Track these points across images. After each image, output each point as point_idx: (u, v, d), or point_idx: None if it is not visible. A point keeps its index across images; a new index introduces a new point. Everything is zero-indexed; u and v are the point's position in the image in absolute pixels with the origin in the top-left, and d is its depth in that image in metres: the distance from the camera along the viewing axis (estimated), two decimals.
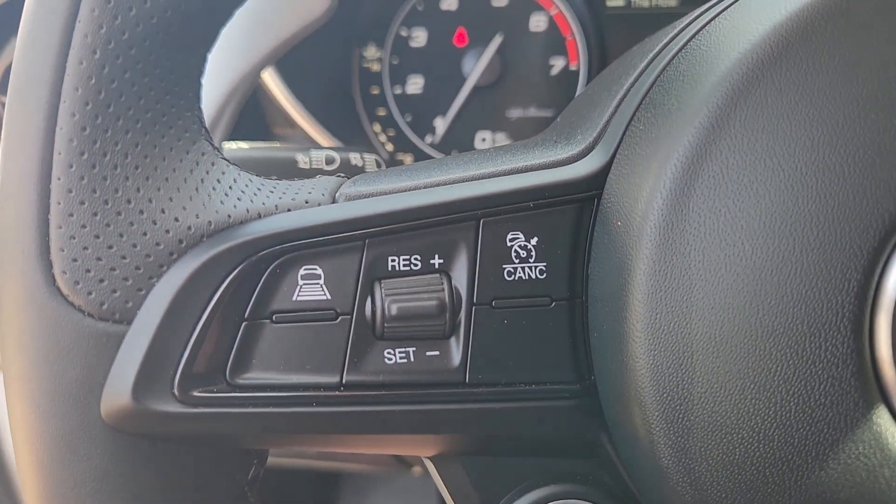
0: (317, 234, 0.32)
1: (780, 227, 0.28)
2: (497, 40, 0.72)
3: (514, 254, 0.34)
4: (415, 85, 0.74)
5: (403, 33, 0.73)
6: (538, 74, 0.73)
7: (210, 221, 0.32)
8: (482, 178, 0.34)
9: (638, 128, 0.33)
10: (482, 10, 0.73)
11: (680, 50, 0.34)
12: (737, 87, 0.30)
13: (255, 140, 0.58)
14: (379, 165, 0.53)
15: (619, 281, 0.31)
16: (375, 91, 0.74)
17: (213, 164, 0.34)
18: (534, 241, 0.34)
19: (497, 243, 0.34)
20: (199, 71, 0.34)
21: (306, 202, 0.34)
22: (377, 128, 0.74)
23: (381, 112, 0.74)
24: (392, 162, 0.74)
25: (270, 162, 0.50)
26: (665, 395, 0.30)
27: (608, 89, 0.37)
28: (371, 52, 0.74)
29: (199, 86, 0.34)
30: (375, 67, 0.74)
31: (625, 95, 0.35)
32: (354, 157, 0.52)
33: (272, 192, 0.34)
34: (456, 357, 0.33)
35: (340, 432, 0.33)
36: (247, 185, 0.34)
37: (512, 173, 0.34)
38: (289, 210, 0.33)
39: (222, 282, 0.31)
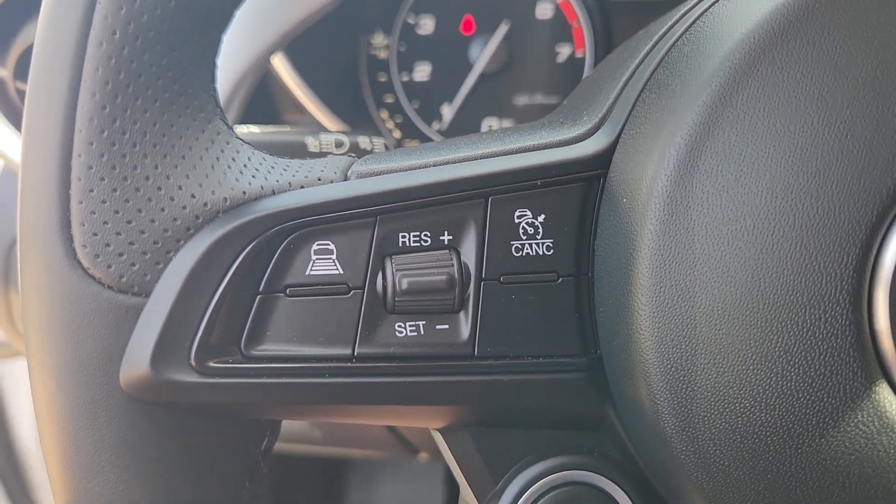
0: (329, 210, 0.33)
1: (780, 202, 0.29)
2: (503, 28, 0.73)
3: (521, 230, 0.35)
4: (422, 72, 0.75)
5: (411, 21, 0.74)
6: (544, 62, 0.74)
7: (226, 198, 0.33)
8: (491, 157, 0.35)
9: (643, 108, 0.34)
10: None
11: (684, 33, 0.35)
12: (738, 67, 0.30)
13: (265, 125, 0.59)
14: (387, 149, 0.53)
15: (624, 256, 0.32)
16: (383, 78, 0.75)
17: (228, 143, 0.34)
18: (541, 218, 0.35)
19: (505, 220, 0.34)
20: (214, 52, 0.34)
21: (319, 179, 0.34)
22: (385, 114, 0.75)
23: (389, 99, 0.75)
24: None
25: (281, 145, 0.50)
26: (669, 366, 0.31)
27: (614, 72, 0.38)
28: (379, 39, 0.74)
29: (214, 67, 0.35)
30: (383, 55, 0.75)
31: (630, 77, 0.36)
32: (363, 141, 0.52)
33: (286, 170, 0.35)
34: (465, 331, 0.34)
35: (352, 403, 0.34)
36: (261, 164, 0.35)
37: (519, 152, 0.35)
38: (302, 187, 0.34)
39: (238, 256, 0.32)
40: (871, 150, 0.29)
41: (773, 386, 0.29)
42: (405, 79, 0.75)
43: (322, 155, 0.52)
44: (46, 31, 0.32)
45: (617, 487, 0.35)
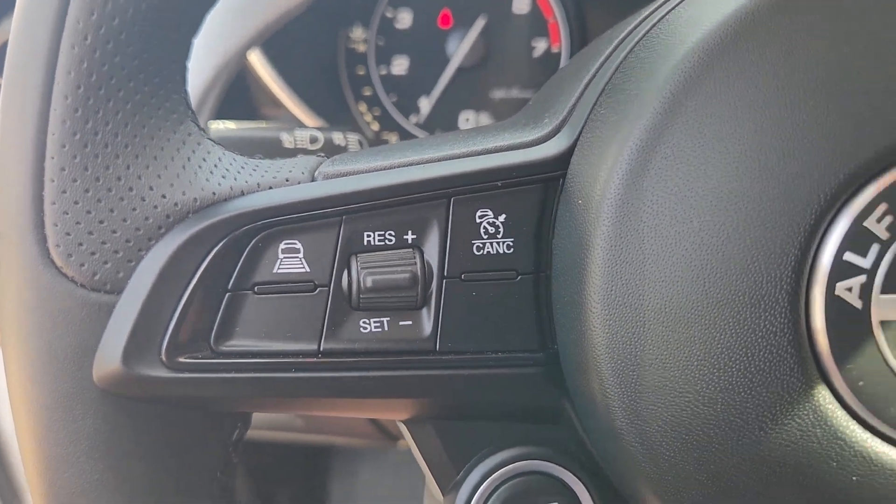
0: (296, 210, 0.34)
1: (725, 205, 0.31)
2: (481, 22, 0.74)
3: (482, 230, 0.36)
4: (400, 66, 0.76)
5: (389, 14, 0.75)
6: (521, 56, 0.75)
7: (196, 198, 0.34)
8: (453, 159, 0.36)
9: (600, 112, 0.35)
10: None
11: (642, 38, 0.36)
12: (689, 74, 0.32)
13: (243, 119, 0.60)
14: (361, 145, 0.54)
15: (578, 256, 0.33)
16: (361, 71, 0.76)
17: (199, 144, 0.35)
18: (502, 217, 0.36)
19: (467, 220, 0.36)
20: (185, 55, 0.35)
21: (287, 180, 0.36)
22: (363, 107, 0.76)
23: (367, 92, 0.76)
24: (377, 141, 0.76)
25: (255, 141, 0.51)
26: (619, 361, 0.32)
27: (576, 74, 0.39)
28: (357, 33, 0.75)
29: (185, 69, 0.36)
30: (361, 48, 0.76)
31: (590, 81, 0.37)
32: (338, 137, 0.53)
33: (255, 170, 0.36)
34: (427, 326, 0.35)
35: (318, 396, 0.35)
36: (231, 164, 0.36)
37: (481, 154, 0.36)
38: (270, 188, 0.35)
39: (207, 255, 0.33)
40: (811, 156, 0.30)
41: (715, 381, 0.31)
42: (383, 72, 0.76)
43: (296, 151, 0.53)
44: (19, 34, 0.33)
45: (573, 477, 0.37)
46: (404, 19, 0.75)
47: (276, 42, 0.64)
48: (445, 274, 0.35)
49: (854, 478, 0.30)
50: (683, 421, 0.32)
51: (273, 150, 0.52)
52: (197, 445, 0.36)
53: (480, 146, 0.36)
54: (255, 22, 0.56)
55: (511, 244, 0.36)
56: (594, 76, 0.37)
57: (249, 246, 0.34)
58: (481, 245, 0.36)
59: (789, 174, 0.30)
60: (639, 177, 0.32)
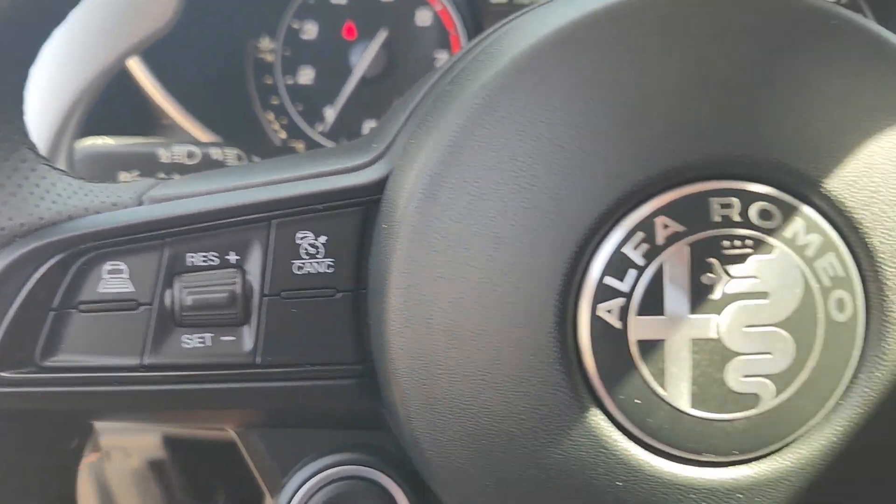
0: (119, 234, 0.37)
1: (500, 232, 0.33)
2: (383, 34, 0.76)
3: (303, 251, 0.38)
4: (306, 76, 0.77)
5: (295, 26, 0.77)
6: (423, 67, 0.77)
7: (22, 223, 0.36)
8: (276, 183, 0.38)
9: (412, 141, 0.37)
10: (370, 4, 0.76)
11: (449, 69, 0.38)
12: (475, 112, 0.34)
13: (138, 132, 0.62)
14: (240, 159, 0.57)
15: (383, 276, 0.36)
16: (269, 81, 0.78)
17: (33, 170, 0.37)
18: (322, 239, 0.38)
19: (287, 241, 0.38)
20: (20, 84, 0.37)
21: (114, 204, 0.38)
22: (270, 116, 0.78)
23: (275, 101, 0.78)
24: (285, 149, 0.78)
25: (131, 157, 0.53)
26: (414, 375, 0.35)
27: (405, 103, 0.41)
28: (265, 43, 0.77)
29: (20, 99, 0.38)
30: (269, 58, 0.77)
31: (413, 110, 0.40)
32: (215, 152, 0.56)
33: (86, 195, 0.38)
34: (249, 342, 0.38)
35: (143, 409, 0.38)
36: (64, 189, 0.38)
37: (302, 179, 0.38)
38: (97, 212, 0.37)
39: (30, 276, 0.36)
40: (576, 190, 0.33)
41: (496, 395, 0.33)
42: (289, 82, 0.77)
43: (173, 166, 0.55)
44: None
45: (392, 482, 0.39)
46: (310, 30, 0.77)
47: (165, 55, 0.66)
48: (265, 292, 0.38)
49: (619, 483, 0.33)
50: (471, 431, 0.34)
51: (150, 165, 0.54)
52: (35, 456, 0.39)
53: (303, 171, 0.39)
54: (109, 52, 0.58)
55: (332, 264, 0.38)
56: (417, 106, 0.40)
57: (74, 267, 0.36)
58: (301, 265, 0.38)
59: (557, 207, 0.33)
60: (430, 204, 0.34)
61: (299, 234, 0.38)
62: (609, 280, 0.32)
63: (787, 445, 0.33)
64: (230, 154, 0.56)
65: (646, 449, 0.33)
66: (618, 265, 0.32)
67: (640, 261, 0.32)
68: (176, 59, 0.68)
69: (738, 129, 0.32)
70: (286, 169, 0.39)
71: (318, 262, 0.38)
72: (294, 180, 0.39)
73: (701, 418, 0.33)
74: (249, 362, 0.38)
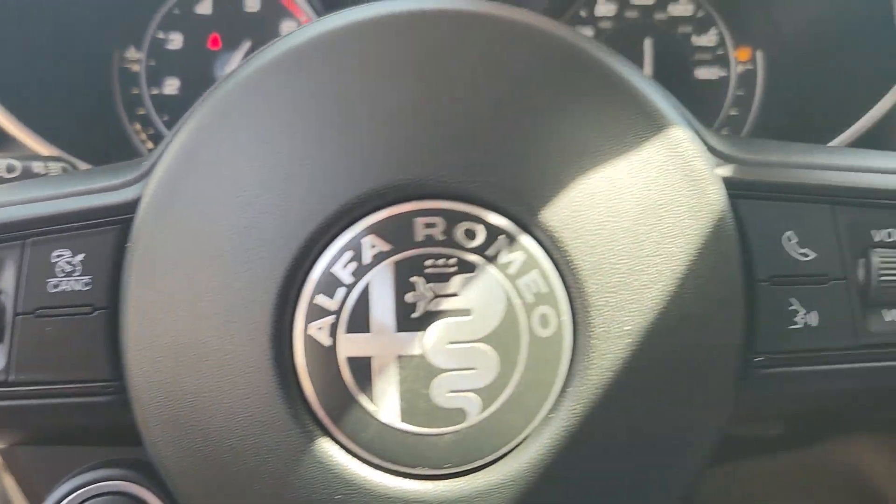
0: None
1: (220, 250, 0.34)
2: (247, 44, 0.77)
3: (58, 269, 0.38)
4: (171, 86, 0.78)
5: (160, 36, 0.77)
6: None
7: None
8: (31, 202, 0.39)
9: (156, 163, 0.38)
10: (235, 15, 0.77)
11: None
12: (197, 133, 0.35)
13: None
14: (64, 172, 0.56)
15: (123, 296, 0.36)
16: (136, 91, 0.78)
17: None
18: (80, 257, 0.38)
19: (42, 260, 0.38)
20: None
21: None
22: (137, 126, 0.78)
23: (141, 111, 0.78)
24: None
25: None
26: (152, 396, 0.35)
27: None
28: (131, 53, 0.77)
29: None
30: (135, 68, 0.78)
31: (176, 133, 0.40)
32: (38, 166, 0.55)
33: None
34: (1, 360, 0.38)
35: None
36: None
37: (58, 198, 0.39)
38: None
39: None
40: (294, 201, 0.33)
41: (222, 414, 0.34)
42: (155, 92, 0.78)
43: None
44: None
45: (154, 496, 0.40)
46: (175, 41, 0.77)
47: (10, 67, 0.66)
48: (18, 311, 0.38)
49: (338, 497, 0.34)
50: (201, 448, 0.35)
51: None
52: None
53: (60, 190, 0.39)
54: None
55: (88, 282, 0.39)
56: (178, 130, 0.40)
57: None
58: (57, 283, 0.38)
59: (274, 226, 0.33)
60: (158, 227, 0.35)
61: (55, 253, 0.38)
62: (320, 299, 0.33)
63: (499, 458, 0.34)
64: (54, 167, 0.56)
65: (363, 462, 0.34)
66: (328, 284, 0.33)
67: (348, 279, 0.33)
68: (23, 71, 0.68)
69: (446, 150, 0.33)
70: (41, 189, 0.39)
71: (74, 280, 0.39)
72: (52, 199, 0.39)
73: (411, 433, 0.33)
74: (2, 380, 0.38)
